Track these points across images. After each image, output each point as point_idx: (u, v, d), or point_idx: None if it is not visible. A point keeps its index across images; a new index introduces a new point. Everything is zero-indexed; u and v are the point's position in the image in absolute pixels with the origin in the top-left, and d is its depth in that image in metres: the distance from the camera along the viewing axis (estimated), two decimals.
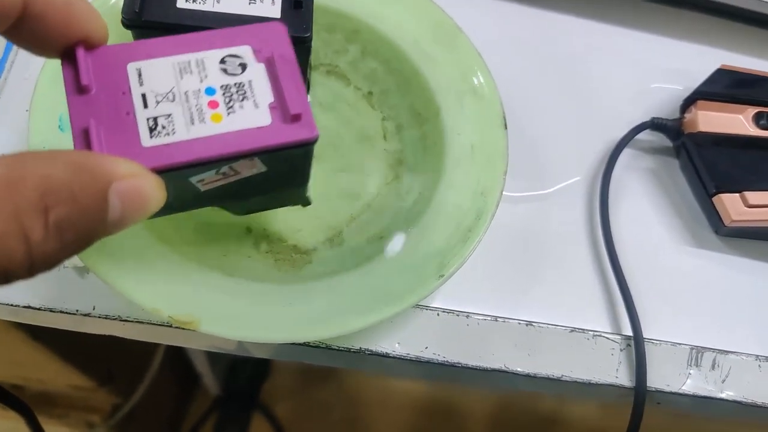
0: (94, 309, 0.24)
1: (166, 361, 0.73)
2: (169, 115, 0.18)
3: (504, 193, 0.28)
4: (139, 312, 0.24)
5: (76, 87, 0.18)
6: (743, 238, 0.30)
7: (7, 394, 0.39)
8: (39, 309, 0.24)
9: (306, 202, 0.24)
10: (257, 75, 0.19)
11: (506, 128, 0.27)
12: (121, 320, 0.24)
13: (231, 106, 0.18)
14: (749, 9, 0.35)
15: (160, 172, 0.17)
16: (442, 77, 0.28)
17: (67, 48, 0.18)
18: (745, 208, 0.28)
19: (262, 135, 0.18)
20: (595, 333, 0.27)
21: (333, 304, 0.23)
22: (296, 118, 0.18)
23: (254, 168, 0.19)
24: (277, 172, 0.20)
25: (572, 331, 0.27)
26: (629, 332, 0.27)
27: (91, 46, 0.18)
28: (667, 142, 0.32)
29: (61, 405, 0.68)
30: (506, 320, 0.26)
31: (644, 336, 0.27)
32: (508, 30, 0.34)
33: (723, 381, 0.27)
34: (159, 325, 0.24)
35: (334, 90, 0.29)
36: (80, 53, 0.18)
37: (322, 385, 0.88)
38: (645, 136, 0.32)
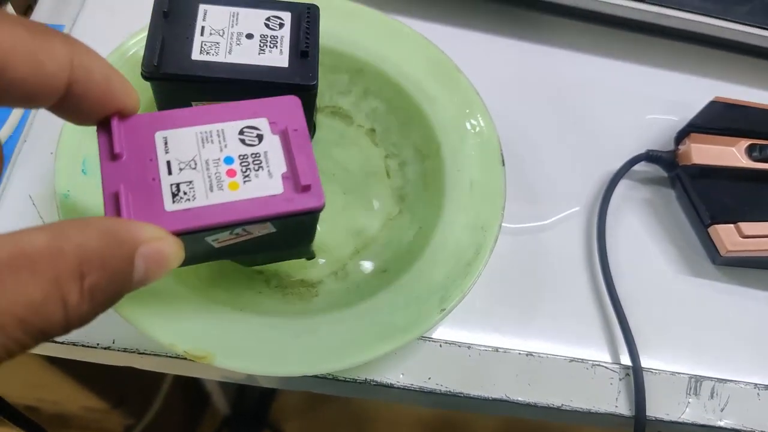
0: (114, 342, 0.25)
1: (176, 382, 0.74)
2: (191, 182, 0.20)
3: (504, 225, 0.29)
4: (156, 346, 0.25)
5: (110, 154, 0.19)
6: (740, 267, 0.31)
7: (24, 418, 0.40)
8: (62, 343, 0.25)
9: (311, 256, 0.25)
10: (272, 146, 0.21)
11: (504, 165, 0.28)
12: (139, 353, 0.25)
13: (247, 175, 0.20)
14: (742, 41, 0.36)
15: (180, 234, 0.19)
16: (442, 115, 0.30)
17: (103, 118, 0.19)
18: (740, 238, 0.29)
19: (275, 203, 0.20)
20: (594, 363, 0.27)
21: (340, 338, 0.24)
22: (306, 188, 0.20)
23: (265, 229, 0.21)
24: (286, 233, 0.22)
25: (571, 361, 0.27)
26: (628, 362, 0.28)
27: (124, 115, 0.19)
28: (662, 173, 0.33)
29: (75, 426, 0.69)
30: (507, 351, 0.27)
31: (643, 365, 0.27)
32: (505, 65, 0.35)
33: (722, 409, 0.27)
34: (175, 357, 0.25)
35: (338, 129, 0.30)
36: (114, 123, 0.20)
37: (330, 404, 0.89)
38: (641, 167, 0.33)
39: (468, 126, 0.29)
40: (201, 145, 0.20)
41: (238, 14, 0.25)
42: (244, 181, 0.20)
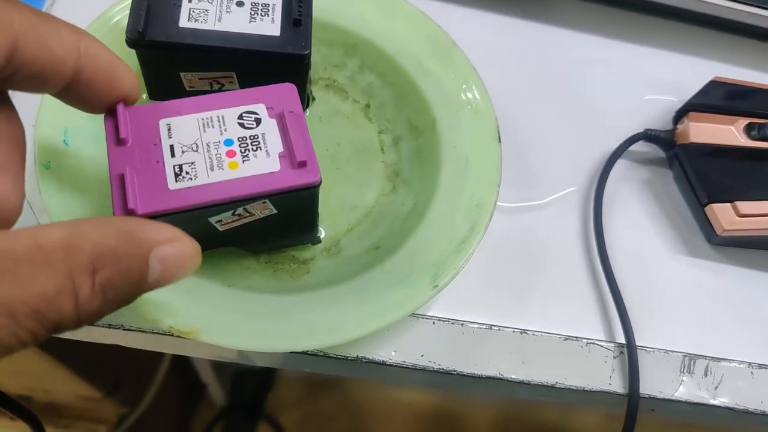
0: None
1: (171, 371, 0.73)
2: (193, 163, 0.21)
3: (499, 203, 0.29)
4: (141, 321, 0.25)
5: (116, 139, 0.21)
6: (736, 247, 0.31)
7: (16, 404, 0.40)
8: None
9: (316, 241, 0.26)
10: (269, 128, 0.22)
11: (500, 142, 0.28)
12: (124, 329, 0.25)
13: (246, 155, 0.21)
14: (742, 21, 0.36)
15: (183, 211, 0.20)
16: (438, 91, 0.29)
17: (109, 106, 0.20)
18: (737, 217, 0.29)
19: (272, 179, 0.21)
20: (589, 341, 0.27)
21: (330, 314, 0.24)
22: (302, 164, 0.21)
23: (266, 209, 0.22)
24: (287, 214, 0.22)
25: (566, 339, 0.27)
26: (623, 340, 0.27)
27: (128, 102, 0.20)
28: (660, 153, 0.33)
29: (67, 415, 0.68)
30: (501, 328, 0.27)
31: (637, 343, 0.27)
32: (503, 42, 0.35)
33: (716, 388, 0.27)
34: (161, 334, 0.25)
35: (333, 103, 0.30)
36: (120, 110, 0.21)
37: (327, 395, 0.88)
38: (639, 147, 0.32)
39: (465, 102, 0.29)
40: (202, 130, 0.21)
41: None
42: (243, 161, 0.21)
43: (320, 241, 0.26)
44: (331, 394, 0.89)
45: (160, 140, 0.21)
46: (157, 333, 0.25)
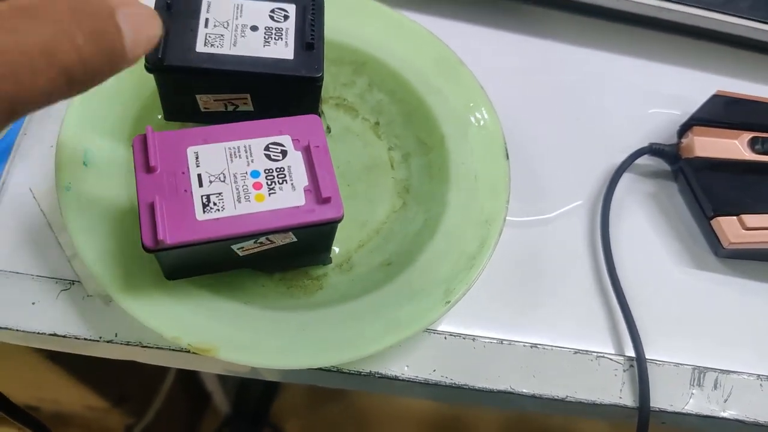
0: (116, 336, 0.25)
1: (177, 381, 0.73)
2: (220, 194, 0.21)
3: (508, 218, 0.29)
4: (159, 339, 0.25)
5: (145, 167, 0.21)
6: (742, 260, 0.31)
7: (26, 415, 0.40)
8: (64, 336, 0.25)
9: (327, 262, 0.26)
10: (295, 161, 0.22)
11: (508, 158, 0.28)
12: (142, 347, 0.25)
13: (272, 188, 0.22)
14: (744, 35, 0.36)
15: (210, 242, 0.21)
16: (446, 108, 0.30)
17: (140, 134, 0.22)
18: (743, 230, 0.29)
19: (297, 214, 0.21)
20: (599, 354, 0.27)
21: (344, 330, 0.24)
22: (327, 200, 0.22)
23: (288, 239, 0.22)
24: (306, 242, 0.23)
25: (576, 352, 0.27)
26: (632, 353, 0.28)
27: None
28: (665, 167, 0.33)
29: (75, 425, 0.69)
30: (511, 343, 0.27)
31: (647, 357, 0.27)
32: (510, 59, 0.35)
33: (725, 400, 0.27)
34: (178, 351, 0.25)
35: (343, 122, 0.30)
36: (150, 136, 0.22)
37: (331, 403, 0.88)
38: (644, 160, 0.33)
39: (472, 119, 0.29)
40: (230, 160, 0.22)
41: (242, 6, 0.25)
42: (270, 194, 0.22)
43: (331, 262, 0.26)
44: (336, 402, 0.89)
45: (188, 168, 0.22)
46: (173, 350, 0.25)
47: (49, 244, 0.26)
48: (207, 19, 0.24)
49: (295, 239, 0.23)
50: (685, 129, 0.32)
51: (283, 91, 0.24)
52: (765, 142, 0.31)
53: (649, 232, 0.32)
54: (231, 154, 0.22)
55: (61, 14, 0.14)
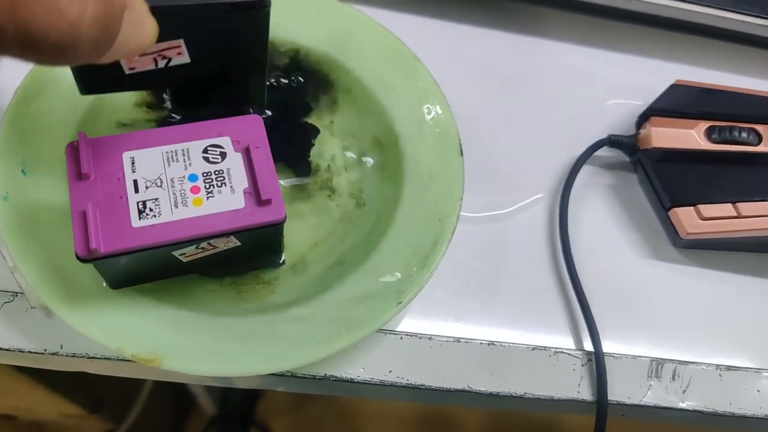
0: (61, 348, 0.24)
1: (157, 384, 0.73)
2: (157, 199, 0.21)
3: (466, 213, 0.29)
4: (105, 349, 0.24)
5: (77, 174, 0.21)
6: (701, 249, 0.31)
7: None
8: (8, 350, 0.24)
9: (278, 265, 0.26)
10: (235, 163, 0.22)
11: (462, 155, 0.28)
12: (89, 358, 0.25)
13: (210, 191, 0.21)
14: (704, 23, 0.36)
15: (146, 249, 0.20)
16: (401, 106, 0.29)
17: (72, 141, 0.21)
18: (700, 220, 0.29)
19: (237, 217, 0.21)
20: (557, 350, 0.27)
21: (296, 335, 0.24)
22: (267, 202, 0.21)
23: (230, 243, 0.22)
24: (251, 245, 0.23)
25: (534, 349, 0.27)
26: (591, 347, 0.27)
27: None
28: (625, 158, 0.33)
29: None
30: (468, 341, 0.27)
31: (605, 350, 0.27)
32: (464, 52, 0.35)
33: (684, 391, 0.27)
34: (125, 361, 0.25)
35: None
36: (82, 142, 0.21)
37: (316, 401, 0.88)
38: (604, 152, 0.33)
39: (427, 118, 0.29)
40: (167, 164, 0.21)
41: None
42: (208, 197, 0.21)
43: (284, 263, 0.26)
44: (321, 400, 0.89)
45: (123, 174, 0.21)
46: (122, 360, 0.25)
47: None
48: None
49: (239, 243, 0.22)
50: (643, 120, 0.32)
51: (222, 29, 0.21)
52: (722, 131, 0.31)
53: (608, 224, 0.31)
54: (168, 158, 0.22)
55: None
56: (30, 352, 0.24)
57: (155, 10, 0.18)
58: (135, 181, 0.21)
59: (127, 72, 0.21)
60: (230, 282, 0.26)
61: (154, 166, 0.21)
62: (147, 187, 0.21)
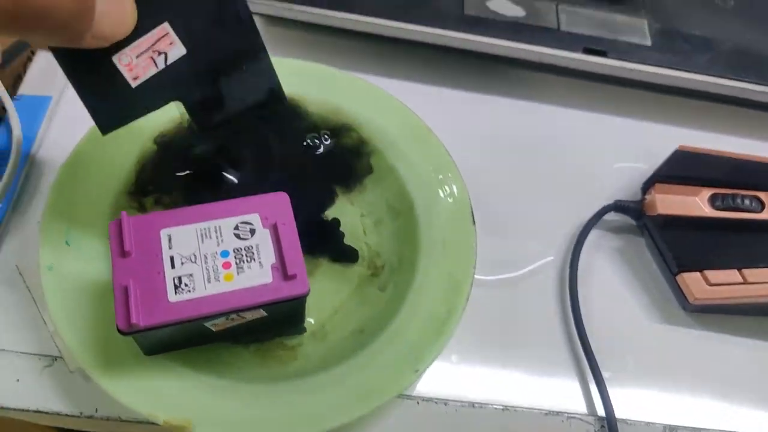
0: (96, 411, 0.26)
1: None
2: (191, 275, 0.22)
3: (477, 277, 0.30)
4: (138, 414, 0.26)
5: (120, 251, 0.23)
6: (711, 313, 0.32)
7: None
8: (47, 413, 0.26)
9: (302, 331, 0.27)
10: (263, 239, 0.24)
11: (475, 223, 0.29)
12: (121, 421, 0.26)
13: (241, 267, 0.23)
14: (705, 90, 0.38)
15: (181, 323, 0.22)
16: (415, 175, 0.31)
17: (115, 219, 0.23)
18: (707, 286, 0.30)
19: (265, 291, 0.23)
20: (570, 415, 0.28)
21: (318, 402, 0.25)
22: (293, 277, 0.23)
23: (258, 314, 0.23)
24: (277, 316, 0.24)
25: (547, 414, 0.28)
26: (603, 413, 0.28)
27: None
28: (631, 222, 0.34)
29: None
30: (483, 406, 0.28)
31: (617, 416, 0.28)
32: (471, 118, 0.37)
33: None
34: (157, 425, 0.26)
35: None
36: (125, 221, 0.23)
37: None
38: (611, 216, 0.34)
39: (440, 189, 0.31)
40: (200, 241, 0.23)
41: None
42: (238, 272, 0.23)
43: (306, 330, 0.27)
44: None
45: (161, 251, 0.23)
46: (153, 424, 0.26)
47: (34, 319, 0.27)
48: None
49: (266, 314, 0.24)
50: (648, 186, 0.33)
51: (203, 6, 0.21)
52: (725, 199, 0.32)
53: (618, 287, 0.32)
54: (202, 235, 0.23)
55: None
56: (67, 414, 0.26)
57: None
58: (171, 258, 0.23)
59: (133, 85, 0.21)
60: (256, 348, 0.27)
61: (189, 243, 0.23)
62: (182, 263, 0.23)
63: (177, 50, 0.21)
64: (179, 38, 0.21)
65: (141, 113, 0.23)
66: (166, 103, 0.23)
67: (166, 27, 0.21)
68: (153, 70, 0.21)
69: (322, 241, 0.30)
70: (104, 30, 0.18)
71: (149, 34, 0.20)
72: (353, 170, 0.32)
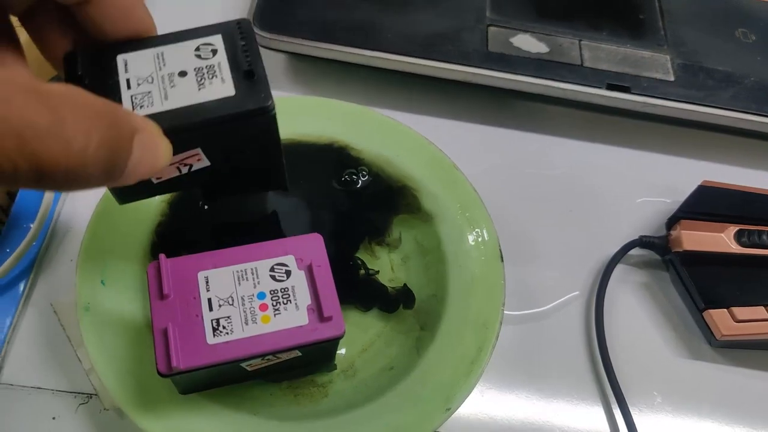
0: None
1: None
2: (229, 317, 0.23)
3: (505, 312, 0.30)
4: None
5: (159, 294, 0.23)
6: (737, 348, 0.32)
7: None
8: None
9: (333, 368, 0.28)
10: (299, 281, 0.24)
11: (503, 260, 0.30)
12: None
13: (277, 308, 0.23)
14: (729, 125, 0.38)
15: (221, 364, 0.22)
16: (442, 212, 0.31)
17: (153, 262, 0.23)
18: (734, 323, 0.30)
19: (301, 333, 0.23)
20: None
21: None
22: (328, 319, 0.23)
23: (293, 355, 0.23)
24: (311, 355, 0.24)
25: None
26: None
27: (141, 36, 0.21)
28: (656, 257, 0.34)
29: None
30: None
31: None
32: (497, 154, 0.37)
33: None
34: None
35: None
36: (163, 264, 0.23)
37: None
38: (636, 251, 0.34)
39: (467, 221, 0.31)
40: (237, 283, 0.23)
41: (162, 54, 0.21)
42: (275, 314, 0.23)
43: (336, 368, 0.27)
44: None
45: (198, 293, 0.23)
46: None
47: (68, 357, 0.28)
48: (128, 80, 0.20)
49: (300, 354, 0.24)
50: (673, 222, 0.33)
51: (234, 134, 0.21)
52: (751, 235, 0.32)
53: (644, 322, 0.32)
54: (239, 277, 0.24)
55: (74, 110, 0.14)
56: None
57: (167, 132, 0.19)
58: (209, 300, 0.23)
59: (155, 182, 0.22)
60: (287, 386, 0.27)
61: (226, 285, 0.23)
62: (220, 306, 0.23)
63: (202, 163, 0.22)
64: (206, 156, 0.22)
65: (157, 194, 0.24)
66: (181, 189, 0.23)
67: (198, 150, 0.21)
68: (175, 174, 0.22)
69: (367, 293, 0.30)
70: (136, 175, 0.17)
71: (182, 155, 0.21)
72: (386, 207, 0.32)
